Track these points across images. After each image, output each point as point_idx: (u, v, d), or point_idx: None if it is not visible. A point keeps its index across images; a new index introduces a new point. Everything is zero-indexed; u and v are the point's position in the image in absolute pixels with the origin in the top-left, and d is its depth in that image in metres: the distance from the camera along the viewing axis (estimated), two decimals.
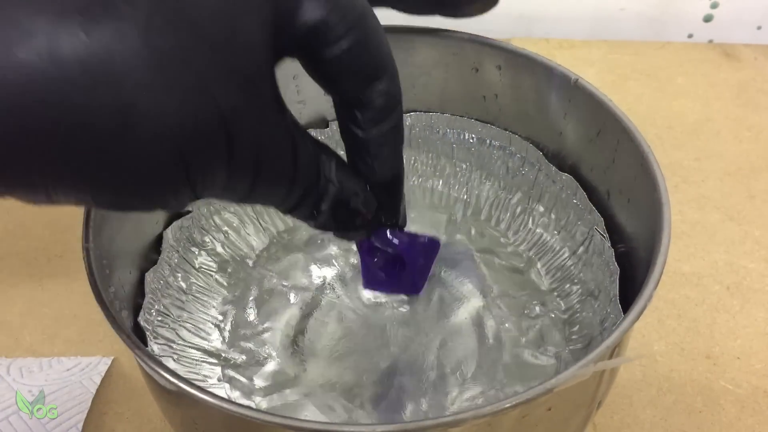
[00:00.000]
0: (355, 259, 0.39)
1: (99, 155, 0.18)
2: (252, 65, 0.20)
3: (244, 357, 0.34)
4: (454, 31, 0.37)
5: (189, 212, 0.36)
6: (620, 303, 0.31)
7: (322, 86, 0.24)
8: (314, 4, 0.21)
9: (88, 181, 0.18)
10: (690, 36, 0.64)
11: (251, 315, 0.36)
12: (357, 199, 0.25)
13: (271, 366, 0.34)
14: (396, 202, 0.27)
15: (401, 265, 0.31)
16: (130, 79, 0.17)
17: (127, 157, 0.18)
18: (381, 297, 0.37)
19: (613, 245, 0.33)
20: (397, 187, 0.27)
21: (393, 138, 0.25)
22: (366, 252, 0.31)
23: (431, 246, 0.32)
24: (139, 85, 0.17)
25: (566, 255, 0.37)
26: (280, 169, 0.22)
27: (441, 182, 0.41)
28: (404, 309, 0.36)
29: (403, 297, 0.36)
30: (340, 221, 0.25)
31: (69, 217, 0.45)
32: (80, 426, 0.34)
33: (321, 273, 0.38)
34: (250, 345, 0.35)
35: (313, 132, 0.39)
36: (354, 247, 0.39)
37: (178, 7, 0.18)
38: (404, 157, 0.27)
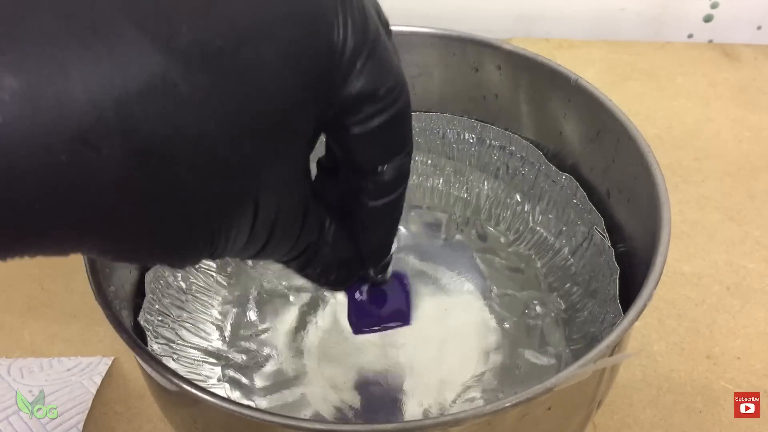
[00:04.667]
0: None
1: (144, 222, 0.17)
2: (296, 148, 0.20)
3: (244, 357, 0.34)
4: (454, 31, 0.37)
5: None
6: (620, 303, 0.31)
7: (340, 155, 0.24)
8: (360, 82, 0.21)
9: (122, 243, 0.18)
10: (690, 36, 0.64)
11: (251, 315, 0.36)
12: (346, 263, 0.26)
13: (271, 366, 0.34)
14: (384, 264, 0.28)
15: (388, 301, 0.31)
16: (179, 156, 0.17)
17: (166, 227, 0.18)
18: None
19: (613, 245, 0.33)
20: (387, 251, 0.27)
21: (396, 209, 0.25)
22: (352, 297, 0.31)
23: (403, 278, 0.33)
24: (186, 162, 0.17)
25: (566, 255, 0.37)
26: (291, 231, 0.22)
27: (441, 182, 0.41)
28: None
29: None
30: (326, 278, 0.26)
31: None
32: (80, 426, 0.34)
33: None
34: (250, 345, 0.35)
35: None
36: None
37: (236, 92, 0.18)
38: None
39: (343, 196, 0.25)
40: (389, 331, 0.33)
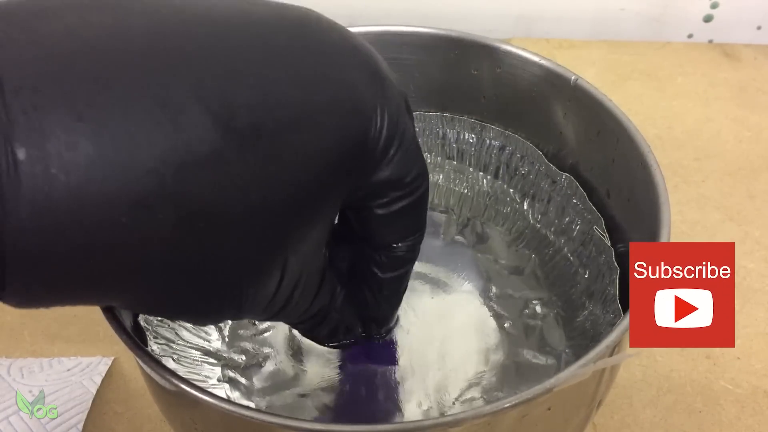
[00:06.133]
0: None
1: (183, 282, 0.19)
2: (322, 222, 0.22)
3: (243, 357, 0.34)
4: (454, 31, 0.37)
5: None
6: (620, 303, 0.31)
7: (359, 230, 0.25)
8: (390, 169, 0.22)
9: (164, 304, 0.20)
10: (690, 36, 0.64)
11: None
12: (350, 327, 0.28)
13: (270, 366, 0.34)
14: (386, 328, 0.30)
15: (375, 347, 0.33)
16: (222, 223, 0.18)
17: (201, 287, 0.19)
18: None
19: (613, 245, 0.33)
20: (391, 319, 0.30)
21: (403, 282, 0.27)
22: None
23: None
24: (228, 230, 0.18)
25: (566, 254, 0.37)
26: (308, 295, 0.24)
27: (441, 181, 0.41)
28: (404, 310, 0.36)
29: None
30: (330, 340, 0.28)
31: None
32: (80, 426, 0.34)
33: None
34: (249, 345, 0.35)
35: None
36: None
37: (279, 171, 0.19)
38: None
39: (354, 264, 0.26)
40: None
